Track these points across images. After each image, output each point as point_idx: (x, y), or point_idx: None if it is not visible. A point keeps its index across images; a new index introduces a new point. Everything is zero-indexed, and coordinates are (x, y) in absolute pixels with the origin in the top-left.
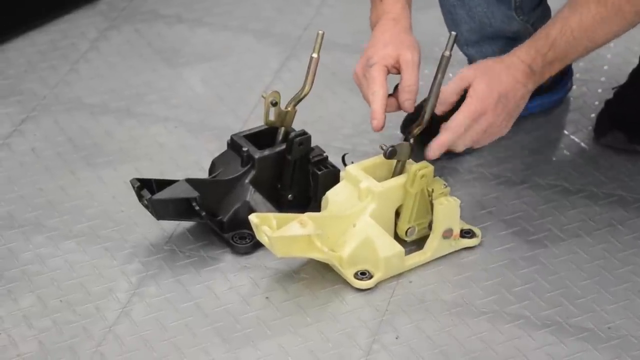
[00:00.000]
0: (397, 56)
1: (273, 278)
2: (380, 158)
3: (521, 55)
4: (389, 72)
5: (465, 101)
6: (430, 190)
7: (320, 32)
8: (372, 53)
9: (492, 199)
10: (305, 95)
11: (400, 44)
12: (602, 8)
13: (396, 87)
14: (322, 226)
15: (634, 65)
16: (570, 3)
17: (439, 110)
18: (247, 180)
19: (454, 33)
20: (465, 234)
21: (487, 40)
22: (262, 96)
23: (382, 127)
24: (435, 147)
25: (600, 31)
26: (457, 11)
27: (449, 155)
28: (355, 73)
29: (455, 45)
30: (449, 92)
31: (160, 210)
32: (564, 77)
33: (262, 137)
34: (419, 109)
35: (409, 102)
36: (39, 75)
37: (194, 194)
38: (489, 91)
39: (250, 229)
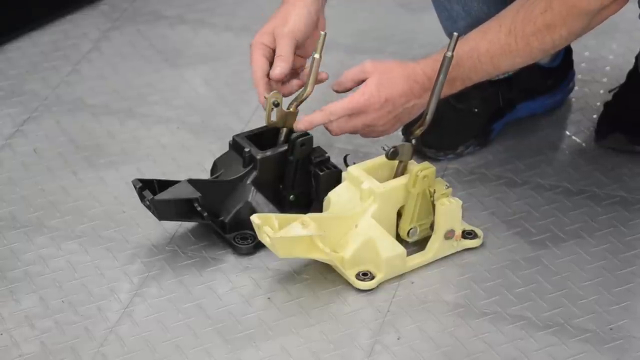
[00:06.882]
0: (272, 32)
1: (275, 279)
2: (382, 159)
3: (425, 67)
4: (270, 48)
5: (352, 94)
6: (432, 191)
7: (323, 32)
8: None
9: (493, 200)
10: (307, 96)
11: (281, 21)
12: (511, 40)
13: None
14: (323, 227)
15: None
16: (482, 27)
17: (334, 87)
18: (249, 181)
19: (456, 34)
20: (467, 234)
21: None
22: (264, 97)
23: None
24: (305, 122)
25: (506, 61)
26: (453, 7)
27: (451, 156)
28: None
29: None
30: (348, 78)
31: (162, 211)
32: (565, 78)
33: (264, 137)
34: None
35: (278, 69)
36: (40, 76)
37: (196, 194)
38: (377, 93)
39: (252, 229)
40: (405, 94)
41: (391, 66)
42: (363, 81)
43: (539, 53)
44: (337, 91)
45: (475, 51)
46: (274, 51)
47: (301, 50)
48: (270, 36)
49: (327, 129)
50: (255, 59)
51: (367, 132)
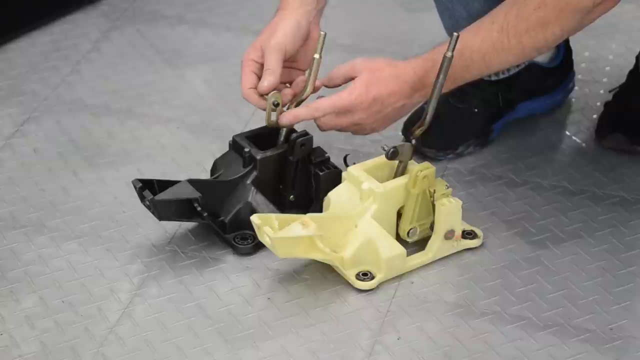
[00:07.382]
0: (260, 46)
1: (275, 279)
2: (382, 159)
3: (416, 67)
4: (259, 64)
5: (340, 92)
6: (432, 191)
7: (322, 33)
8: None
9: (494, 200)
10: (307, 96)
11: (268, 34)
12: (504, 38)
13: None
14: (323, 227)
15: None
16: (475, 24)
17: (324, 82)
18: (248, 181)
19: (456, 34)
20: (467, 234)
21: None
22: (264, 97)
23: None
24: (289, 116)
25: (497, 59)
26: (455, 7)
27: (451, 156)
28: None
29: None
30: (338, 74)
31: (162, 211)
32: (565, 78)
33: (264, 138)
34: (421, 110)
35: (266, 83)
36: (40, 76)
37: (196, 194)
38: (365, 92)
39: (252, 229)
40: (394, 94)
41: (381, 65)
42: (353, 79)
43: (531, 51)
44: (327, 86)
45: (467, 49)
46: (263, 66)
47: (294, 62)
48: (258, 51)
49: (315, 122)
50: (244, 78)
51: (356, 129)
